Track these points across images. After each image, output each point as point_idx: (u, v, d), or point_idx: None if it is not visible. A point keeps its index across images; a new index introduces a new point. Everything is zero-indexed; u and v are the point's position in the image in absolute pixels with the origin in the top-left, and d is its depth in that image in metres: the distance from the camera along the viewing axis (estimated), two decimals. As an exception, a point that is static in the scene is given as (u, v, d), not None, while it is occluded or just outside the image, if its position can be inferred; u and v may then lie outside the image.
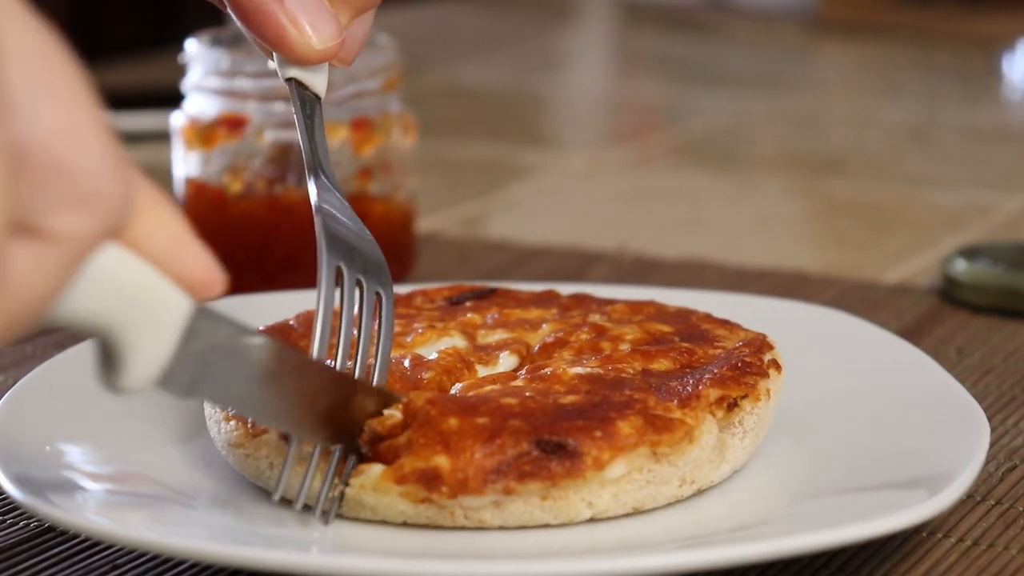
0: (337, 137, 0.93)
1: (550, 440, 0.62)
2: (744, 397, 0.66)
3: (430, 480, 0.62)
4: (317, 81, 0.71)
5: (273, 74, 0.93)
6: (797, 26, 1.92)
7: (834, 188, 1.24)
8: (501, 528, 0.63)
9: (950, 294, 0.94)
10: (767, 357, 0.69)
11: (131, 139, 1.33)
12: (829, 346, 0.78)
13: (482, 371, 0.70)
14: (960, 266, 0.94)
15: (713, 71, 1.73)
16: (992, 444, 0.73)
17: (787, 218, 1.20)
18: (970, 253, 0.96)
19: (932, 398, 0.71)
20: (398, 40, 0.98)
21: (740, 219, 1.17)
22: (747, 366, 0.68)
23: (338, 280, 0.65)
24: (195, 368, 0.55)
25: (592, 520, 0.63)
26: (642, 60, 1.88)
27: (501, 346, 0.72)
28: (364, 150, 0.94)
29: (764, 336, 0.71)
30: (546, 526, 0.63)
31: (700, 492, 0.66)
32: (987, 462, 0.72)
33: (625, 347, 0.71)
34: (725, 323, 0.73)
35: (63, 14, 1.64)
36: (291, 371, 0.60)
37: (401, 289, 0.82)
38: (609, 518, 0.64)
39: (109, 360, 0.52)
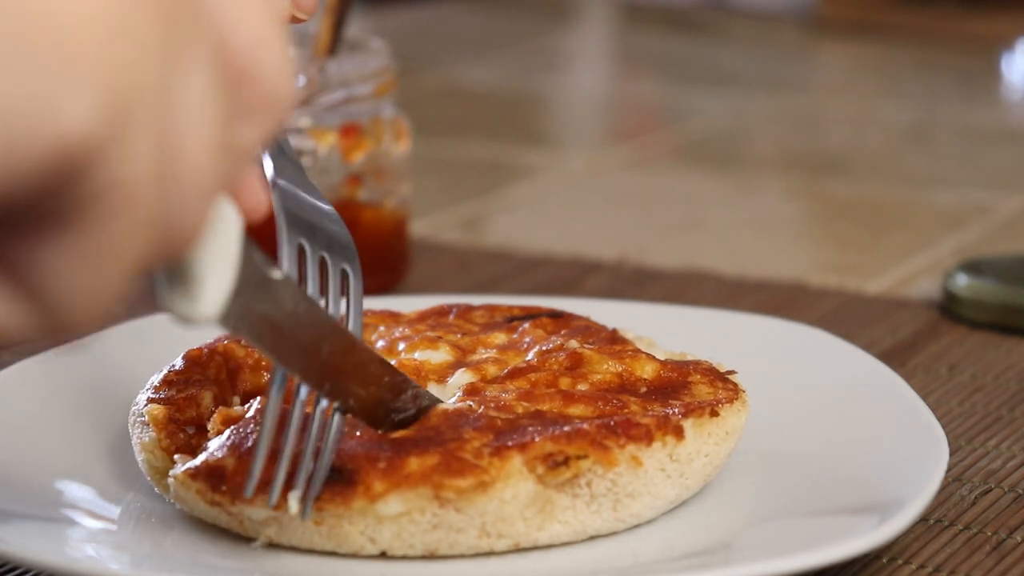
0: (325, 143, 0.92)
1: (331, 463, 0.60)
2: (583, 458, 0.61)
3: (215, 479, 0.61)
4: None
5: None
6: (797, 26, 1.92)
7: (834, 188, 1.24)
8: (312, 552, 0.61)
9: (950, 309, 0.93)
10: (682, 423, 0.63)
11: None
12: (803, 367, 0.76)
13: (432, 388, 0.68)
14: (961, 281, 0.92)
15: (713, 71, 1.72)
16: (969, 467, 0.72)
17: (787, 218, 1.20)
18: (972, 267, 0.93)
19: (897, 422, 0.69)
20: (397, 40, 0.98)
21: (740, 219, 1.17)
22: (626, 427, 0.62)
23: (301, 260, 0.60)
24: (243, 297, 0.49)
25: (386, 557, 0.61)
26: (642, 60, 1.88)
27: (458, 366, 0.69)
28: (353, 156, 0.93)
29: (714, 404, 0.65)
30: (334, 554, 0.61)
31: (524, 550, 0.62)
32: (961, 485, 0.70)
33: (583, 386, 0.67)
34: (717, 380, 0.68)
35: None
36: (311, 320, 0.55)
37: (411, 300, 0.81)
38: (405, 558, 0.61)
39: (175, 285, 0.46)
